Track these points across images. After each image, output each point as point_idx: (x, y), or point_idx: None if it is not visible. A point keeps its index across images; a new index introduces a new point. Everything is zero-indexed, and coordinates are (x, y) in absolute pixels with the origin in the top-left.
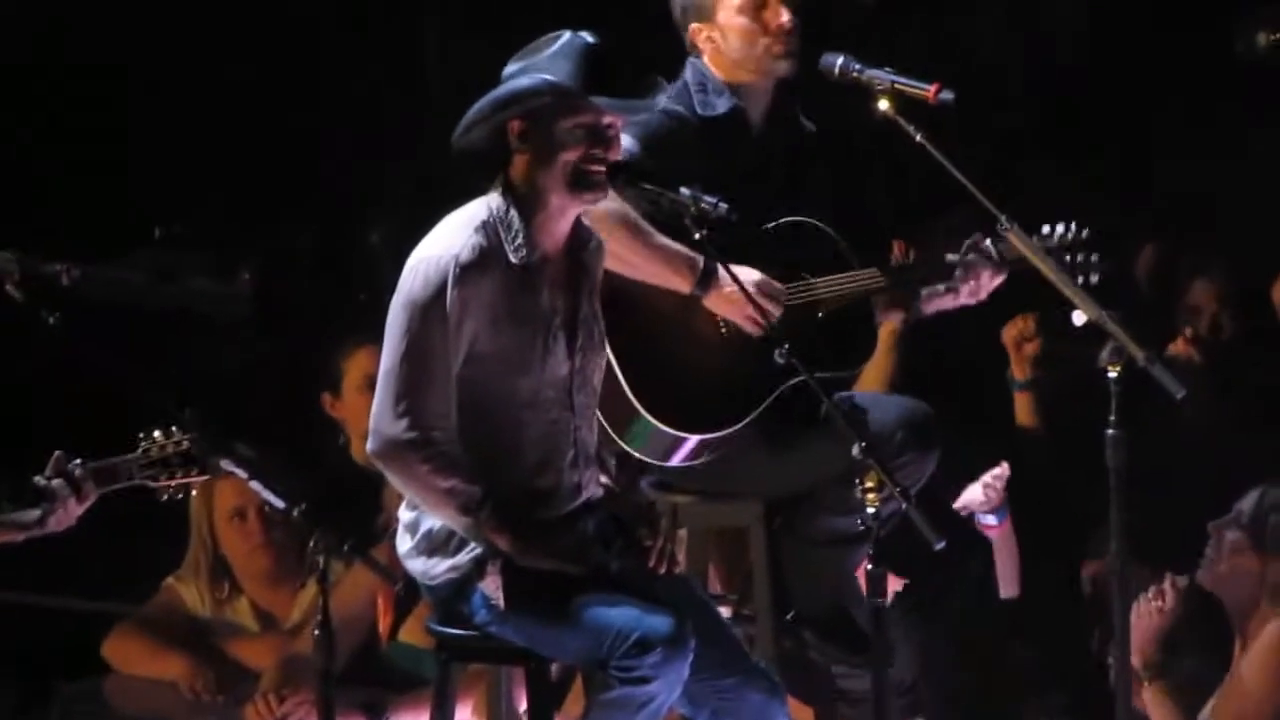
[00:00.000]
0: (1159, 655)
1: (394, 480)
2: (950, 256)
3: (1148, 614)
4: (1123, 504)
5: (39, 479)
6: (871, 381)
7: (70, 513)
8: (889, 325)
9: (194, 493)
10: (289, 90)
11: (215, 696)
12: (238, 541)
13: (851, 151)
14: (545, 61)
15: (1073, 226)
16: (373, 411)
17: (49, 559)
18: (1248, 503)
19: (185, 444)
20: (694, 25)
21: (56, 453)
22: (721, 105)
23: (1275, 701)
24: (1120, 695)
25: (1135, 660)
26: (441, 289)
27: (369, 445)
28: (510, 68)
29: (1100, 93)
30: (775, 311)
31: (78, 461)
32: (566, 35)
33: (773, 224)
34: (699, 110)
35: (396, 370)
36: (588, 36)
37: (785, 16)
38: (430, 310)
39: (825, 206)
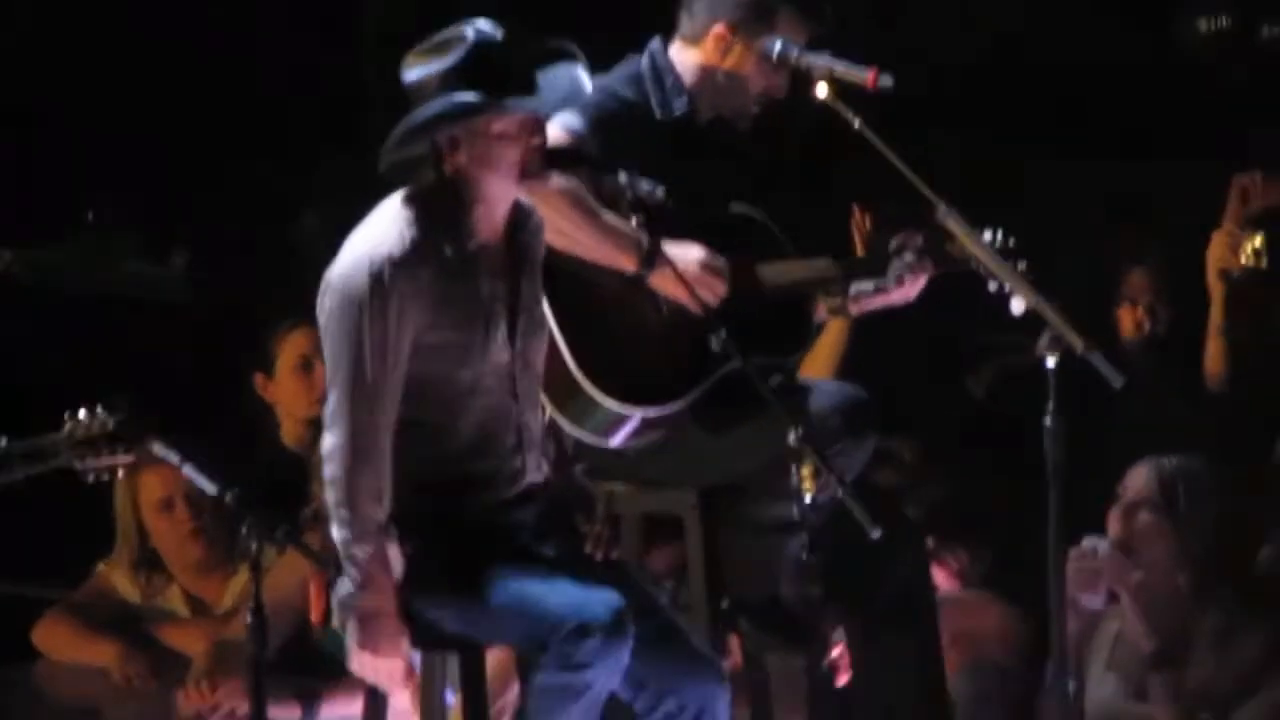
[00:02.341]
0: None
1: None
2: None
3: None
4: (1060, 494)
5: None
6: (818, 369)
7: None
8: (840, 319)
9: (118, 486)
10: (222, 68)
11: (147, 682)
12: (167, 532)
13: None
14: (451, 73)
15: (999, 233)
16: (326, 413)
17: None
18: (1142, 479)
19: (111, 424)
20: (721, 27)
21: None
22: (678, 107)
23: None
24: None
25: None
26: (377, 287)
27: (325, 440)
28: (413, 74)
29: (1035, 86)
30: (720, 289)
31: (2, 440)
32: (470, 36)
33: (718, 212)
34: (655, 108)
35: (345, 376)
36: (488, 31)
37: (784, 89)
38: (369, 311)
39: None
